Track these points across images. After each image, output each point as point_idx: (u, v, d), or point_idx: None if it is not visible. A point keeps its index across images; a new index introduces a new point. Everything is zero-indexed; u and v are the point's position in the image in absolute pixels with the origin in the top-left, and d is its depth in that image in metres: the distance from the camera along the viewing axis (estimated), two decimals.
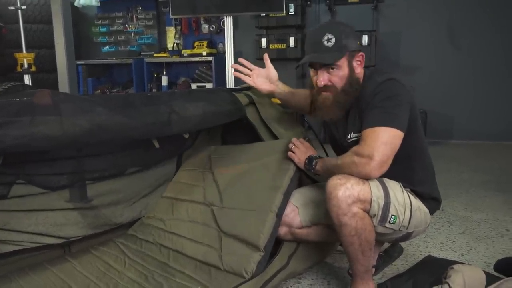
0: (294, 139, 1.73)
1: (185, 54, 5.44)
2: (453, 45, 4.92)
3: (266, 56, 1.98)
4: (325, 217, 1.58)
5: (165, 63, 5.59)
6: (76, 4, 5.34)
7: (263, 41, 5.04)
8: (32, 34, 4.95)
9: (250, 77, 1.97)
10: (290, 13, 4.91)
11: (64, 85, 2.76)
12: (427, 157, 1.68)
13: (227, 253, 1.63)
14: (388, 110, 1.47)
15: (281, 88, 1.95)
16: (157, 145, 1.69)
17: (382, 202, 1.45)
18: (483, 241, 2.18)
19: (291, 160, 1.69)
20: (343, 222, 1.44)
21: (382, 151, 1.41)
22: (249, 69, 1.98)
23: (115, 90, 5.73)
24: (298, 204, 1.71)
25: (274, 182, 1.68)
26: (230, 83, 3.59)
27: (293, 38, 4.92)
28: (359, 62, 1.59)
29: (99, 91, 5.55)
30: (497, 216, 2.54)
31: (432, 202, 1.67)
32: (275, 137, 1.94)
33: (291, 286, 1.75)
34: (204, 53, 5.29)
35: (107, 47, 5.99)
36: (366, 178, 1.45)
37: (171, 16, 4.04)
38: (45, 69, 4.53)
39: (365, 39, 4.61)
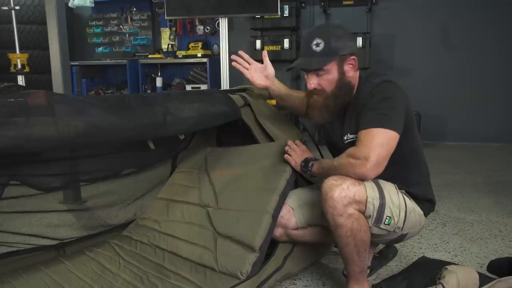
0: (289, 142, 1.73)
1: (180, 56, 5.44)
2: (447, 47, 4.96)
3: (265, 53, 1.98)
4: (320, 218, 1.59)
5: (160, 64, 5.58)
6: (70, 4, 5.31)
7: (258, 43, 5.06)
8: (25, 35, 4.92)
9: (248, 70, 1.97)
10: (284, 15, 4.94)
11: (58, 86, 2.75)
12: (422, 159, 1.69)
13: (222, 254, 1.63)
14: (383, 112, 1.47)
15: (276, 85, 1.95)
16: (152, 147, 1.68)
17: (377, 203, 1.46)
18: (476, 242, 2.19)
19: (288, 163, 1.70)
20: (338, 223, 1.44)
21: (378, 152, 1.42)
22: (248, 62, 1.98)
23: (109, 91, 5.70)
24: (294, 205, 1.71)
25: (270, 183, 1.68)
26: (225, 85, 3.59)
27: (287, 39, 4.94)
28: (351, 66, 1.59)
29: (93, 92, 5.52)
30: (490, 217, 2.56)
31: (426, 204, 1.68)
32: (270, 138, 1.94)
33: (286, 287, 1.75)
34: (199, 55, 5.29)
35: (101, 48, 5.97)
36: (361, 179, 1.45)
37: (165, 17, 4.04)
38: (38, 70, 4.50)
39: (359, 41, 4.63)
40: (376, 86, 1.53)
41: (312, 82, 1.58)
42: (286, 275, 1.73)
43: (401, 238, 1.63)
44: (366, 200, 1.44)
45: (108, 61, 5.68)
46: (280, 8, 3.58)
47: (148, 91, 5.42)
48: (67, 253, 1.95)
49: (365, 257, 1.54)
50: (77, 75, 5.37)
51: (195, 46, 5.44)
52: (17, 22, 3.26)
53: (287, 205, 1.70)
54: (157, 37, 5.87)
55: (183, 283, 1.61)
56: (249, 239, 1.58)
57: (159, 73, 5.57)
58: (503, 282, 1.48)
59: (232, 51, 4.37)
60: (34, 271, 1.76)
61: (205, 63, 5.26)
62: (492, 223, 2.46)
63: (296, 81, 5.15)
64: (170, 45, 5.64)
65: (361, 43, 4.64)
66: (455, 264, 1.82)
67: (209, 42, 5.61)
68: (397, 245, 1.98)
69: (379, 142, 1.43)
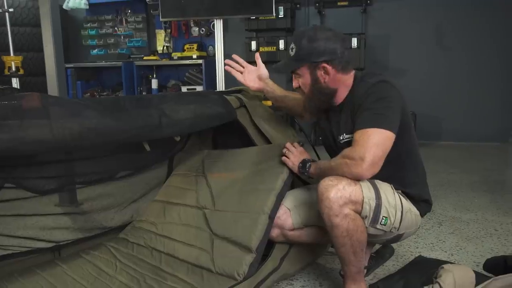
0: (288, 144, 1.74)
1: (175, 57, 5.42)
2: (442, 47, 4.97)
3: (257, 55, 2.01)
4: (317, 218, 1.59)
5: (155, 66, 5.55)
6: (64, 6, 5.30)
7: (253, 44, 5.05)
8: (20, 37, 4.89)
9: (241, 73, 1.97)
10: (279, 16, 4.92)
11: (53, 88, 2.74)
12: (418, 159, 1.70)
13: (219, 255, 1.63)
14: (379, 112, 1.48)
15: (271, 87, 1.96)
16: (148, 148, 1.68)
17: (373, 203, 1.46)
18: (472, 241, 2.20)
19: (285, 164, 1.70)
20: (334, 223, 1.44)
21: (374, 153, 1.42)
22: (241, 66, 1.99)
23: (104, 94, 5.68)
24: (290, 206, 1.71)
25: (267, 184, 1.68)
26: (220, 86, 3.58)
27: (282, 41, 4.93)
28: (323, 73, 1.58)
29: (89, 94, 5.50)
30: (486, 216, 2.57)
31: (423, 204, 1.68)
32: (266, 139, 1.94)
33: None
34: (194, 56, 5.28)
35: (96, 50, 5.94)
36: (357, 179, 1.46)
37: (160, 19, 4.03)
38: (33, 72, 4.48)
39: (354, 42, 4.64)
40: (371, 86, 1.54)
41: (294, 82, 1.66)
42: (283, 275, 1.73)
43: (398, 238, 1.63)
44: (362, 200, 1.44)
45: (103, 63, 5.64)
46: (275, 9, 3.58)
47: (143, 93, 5.40)
48: (63, 256, 1.94)
49: (362, 257, 1.54)
50: (72, 77, 5.34)
51: (190, 48, 5.42)
52: (11, 24, 3.24)
53: (283, 205, 1.70)
54: (152, 39, 5.85)
55: (180, 285, 1.61)
56: (246, 240, 1.57)
57: (154, 75, 5.54)
58: (499, 281, 1.49)
59: (227, 52, 4.37)
60: (29, 274, 1.75)
61: (200, 64, 5.24)
62: (488, 222, 2.47)
63: (291, 82, 5.12)
64: (165, 47, 5.62)
65: (356, 44, 4.64)
66: (451, 263, 1.82)
67: (204, 43, 5.60)
68: (393, 245, 1.98)
69: (375, 142, 1.43)
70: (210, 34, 5.50)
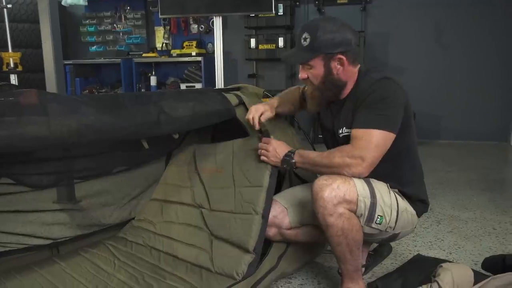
0: (260, 144, 1.69)
1: (174, 54, 5.42)
2: (441, 45, 4.97)
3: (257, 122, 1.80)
4: (314, 217, 1.58)
5: (154, 63, 5.56)
6: (63, 3, 5.28)
7: (252, 41, 5.05)
8: (18, 33, 4.87)
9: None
10: (279, 14, 4.93)
11: (51, 85, 2.72)
12: (416, 158, 1.69)
13: (218, 255, 1.63)
14: (382, 112, 1.48)
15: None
16: (146, 146, 1.67)
17: (368, 202, 1.46)
18: (470, 240, 2.20)
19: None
20: (329, 222, 1.44)
21: (374, 154, 1.44)
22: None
23: (103, 90, 5.68)
24: (287, 205, 1.71)
25: (256, 180, 1.68)
26: (219, 83, 3.58)
27: (282, 38, 4.93)
28: (338, 64, 1.56)
29: (87, 91, 5.49)
30: (484, 215, 2.57)
31: (419, 204, 1.68)
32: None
33: (281, 286, 1.75)
34: (193, 53, 5.28)
35: (95, 46, 5.94)
36: (355, 177, 1.46)
37: (160, 16, 4.02)
38: (31, 68, 4.47)
39: None
40: (375, 82, 1.53)
41: (301, 73, 1.61)
42: (281, 274, 1.73)
43: (393, 237, 1.63)
44: (357, 199, 1.44)
45: (102, 60, 5.65)
46: (274, 6, 3.58)
47: (142, 90, 5.40)
48: (61, 253, 1.94)
49: (358, 256, 1.54)
50: (71, 74, 5.33)
51: (189, 45, 5.42)
52: (10, 21, 3.23)
53: (280, 204, 1.70)
54: (151, 35, 5.84)
55: (179, 284, 1.61)
56: (243, 241, 1.58)
57: (153, 72, 5.54)
58: (498, 280, 1.49)
59: (226, 49, 4.37)
60: (27, 272, 1.75)
61: (199, 61, 5.24)
62: (486, 221, 2.47)
63: (291, 79, 5.14)
64: (164, 44, 5.62)
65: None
66: (450, 261, 1.82)
67: (204, 40, 5.59)
68: (392, 243, 1.98)
69: (376, 144, 1.44)
70: (209, 31, 5.49)
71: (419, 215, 1.68)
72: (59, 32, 2.78)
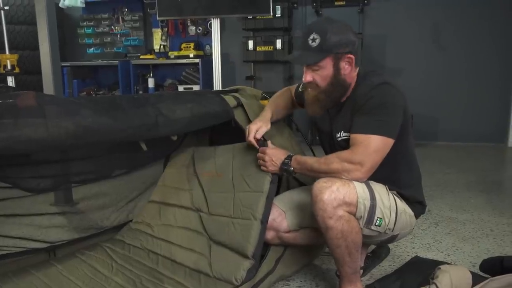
0: (258, 155, 1.69)
1: (172, 56, 5.41)
2: (439, 47, 4.97)
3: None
4: (312, 220, 1.57)
5: (152, 65, 5.54)
6: (60, 5, 5.27)
7: (250, 43, 5.05)
8: (15, 35, 4.86)
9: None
10: (277, 16, 4.93)
11: (48, 87, 2.71)
12: (414, 161, 1.69)
13: (216, 260, 1.62)
14: (381, 118, 1.48)
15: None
16: (144, 148, 1.66)
17: (368, 204, 1.46)
18: (468, 241, 2.20)
19: None
20: (328, 225, 1.44)
21: (373, 159, 1.45)
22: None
23: (100, 92, 5.66)
24: (285, 208, 1.70)
25: (255, 185, 1.67)
26: (217, 85, 3.58)
27: (280, 40, 4.93)
28: (347, 64, 1.56)
29: (85, 93, 5.48)
30: (482, 217, 2.57)
31: (417, 206, 1.68)
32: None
33: None
34: (191, 55, 5.27)
35: (92, 48, 5.92)
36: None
37: (157, 18, 4.02)
38: (29, 70, 4.46)
39: None
40: (374, 87, 1.53)
41: (307, 76, 1.58)
42: (279, 277, 1.72)
43: (392, 239, 1.63)
44: (357, 201, 1.44)
45: (99, 62, 5.63)
46: (272, 8, 3.58)
47: (140, 92, 5.39)
48: (58, 256, 1.93)
49: (357, 258, 1.53)
50: (68, 76, 5.32)
51: (187, 47, 5.41)
52: (7, 23, 3.22)
53: (278, 207, 1.69)
54: (149, 37, 5.84)
55: None
56: (242, 247, 1.58)
57: (151, 74, 5.53)
58: (496, 281, 1.49)
59: (224, 51, 4.36)
60: (24, 275, 1.74)
61: (197, 63, 5.23)
62: (484, 222, 2.47)
63: (289, 81, 5.14)
64: (162, 46, 5.61)
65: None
66: (448, 263, 1.82)
67: (201, 42, 5.58)
68: (390, 245, 1.98)
69: (375, 149, 1.45)
70: (207, 33, 5.48)
71: (417, 216, 1.69)
72: (57, 34, 2.77)
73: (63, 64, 4.78)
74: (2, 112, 1.23)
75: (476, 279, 1.54)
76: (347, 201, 1.42)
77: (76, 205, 2.68)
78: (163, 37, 5.63)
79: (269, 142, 1.71)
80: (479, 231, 2.35)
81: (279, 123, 2.04)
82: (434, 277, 1.52)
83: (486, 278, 1.54)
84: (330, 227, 1.44)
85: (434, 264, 1.66)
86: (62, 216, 2.29)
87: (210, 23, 4.13)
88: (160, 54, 5.58)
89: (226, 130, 1.99)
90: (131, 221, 2.12)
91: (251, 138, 1.71)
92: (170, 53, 5.49)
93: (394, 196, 1.58)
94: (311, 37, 1.53)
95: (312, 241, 1.74)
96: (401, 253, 2.06)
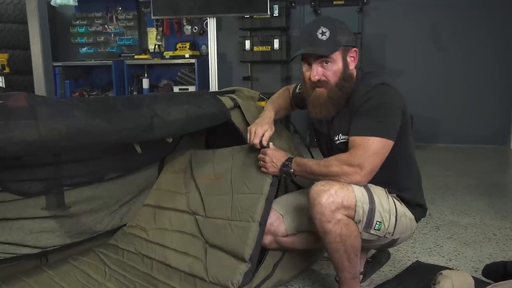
0: (258, 156, 1.67)
1: (167, 56, 5.38)
2: (439, 47, 4.96)
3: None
4: (310, 224, 1.55)
5: (146, 65, 5.51)
6: (52, 3, 5.22)
7: (247, 43, 5.02)
8: (5, 34, 4.80)
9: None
10: (274, 15, 4.90)
11: (40, 87, 2.68)
12: (414, 163, 1.68)
13: (212, 264, 1.60)
14: (380, 119, 1.46)
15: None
16: (139, 150, 1.63)
17: (367, 207, 1.44)
18: (470, 246, 2.18)
19: None
20: (327, 229, 1.42)
21: (372, 162, 1.43)
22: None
23: (94, 93, 5.63)
24: (283, 211, 1.68)
25: (254, 188, 1.65)
26: (213, 86, 3.55)
27: (277, 40, 4.91)
28: (353, 58, 1.57)
29: (77, 94, 5.44)
30: (484, 220, 2.55)
31: (418, 209, 1.66)
32: None
33: None
34: (187, 55, 5.24)
35: (85, 48, 5.88)
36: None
37: (152, 17, 3.99)
38: (19, 70, 4.41)
39: None
40: (372, 89, 1.51)
41: (317, 72, 1.53)
42: (277, 282, 1.70)
43: (392, 243, 1.62)
44: (355, 204, 1.42)
45: (92, 62, 5.59)
46: (269, 7, 3.56)
47: (134, 93, 5.35)
48: (50, 262, 1.90)
49: (356, 263, 1.52)
50: (60, 76, 5.23)
51: (182, 47, 5.38)
52: None
53: (276, 211, 1.67)
54: (143, 37, 5.80)
55: None
56: (239, 249, 1.55)
57: (145, 74, 5.50)
58: (499, 287, 1.47)
59: (220, 51, 4.33)
60: (14, 281, 1.71)
61: (193, 64, 5.20)
62: (486, 226, 2.45)
63: (287, 82, 5.12)
64: (157, 46, 5.57)
65: None
66: (449, 268, 1.81)
67: (197, 42, 5.55)
68: (390, 250, 1.96)
69: (374, 151, 1.43)
70: (203, 32, 5.45)
71: (417, 220, 1.67)
72: (48, 33, 2.74)
73: (55, 64, 4.71)
74: None
75: (479, 284, 1.53)
76: (345, 204, 1.40)
77: (68, 209, 2.65)
78: (158, 37, 5.59)
79: (271, 144, 1.69)
80: (481, 235, 2.33)
81: (277, 124, 2.01)
82: (436, 282, 1.50)
83: (489, 284, 1.53)
84: (328, 231, 1.42)
85: (436, 269, 1.66)
86: (54, 220, 2.27)
87: (206, 23, 4.11)
88: (155, 54, 5.54)
89: (222, 132, 1.96)
90: (125, 225, 2.09)
91: (257, 141, 1.67)
92: (165, 53, 5.45)
93: (394, 199, 1.56)
94: (320, 30, 1.51)
95: (311, 246, 1.71)
96: (401, 258, 2.04)
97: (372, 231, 1.48)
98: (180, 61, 5.26)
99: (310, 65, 1.56)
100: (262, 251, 1.62)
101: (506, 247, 2.16)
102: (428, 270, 1.83)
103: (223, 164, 1.85)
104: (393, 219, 1.51)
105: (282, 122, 2.03)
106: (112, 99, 1.64)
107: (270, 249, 1.68)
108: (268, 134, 1.69)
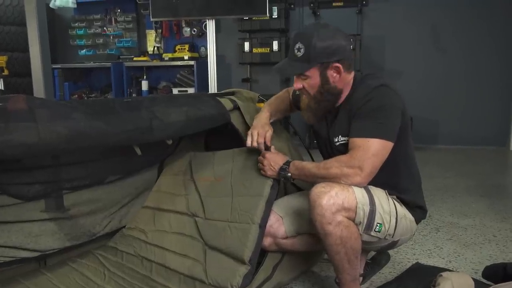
0: (258, 158, 1.68)
1: (166, 58, 5.39)
2: (438, 48, 4.95)
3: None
4: (310, 226, 1.54)
5: (145, 67, 5.51)
6: (51, 5, 5.22)
7: (246, 45, 5.02)
8: (4, 36, 4.80)
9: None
10: (273, 17, 4.90)
11: (39, 89, 2.68)
12: (414, 165, 1.68)
13: (212, 266, 1.60)
14: (380, 121, 1.46)
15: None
16: (139, 152, 1.63)
17: (367, 209, 1.44)
18: (470, 247, 2.18)
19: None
20: (327, 231, 1.41)
21: (372, 163, 1.42)
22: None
23: (93, 95, 5.63)
24: (283, 213, 1.68)
25: (255, 190, 1.65)
26: (212, 88, 3.55)
27: (276, 42, 4.91)
28: (335, 73, 1.53)
29: (76, 96, 5.44)
30: (484, 222, 2.55)
31: (418, 210, 1.66)
32: None
33: None
34: (186, 57, 5.25)
35: (84, 50, 5.88)
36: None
37: (151, 19, 3.99)
38: (18, 73, 4.41)
39: None
40: (372, 90, 1.51)
41: (296, 84, 1.58)
42: (277, 284, 1.70)
43: (392, 245, 1.61)
44: (356, 206, 1.42)
45: (91, 64, 5.58)
46: (268, 9, 3.56)
47: (133, 95, 5.36)
48: (49, 264, 1.89)
49: (357, 265, 1.52)
50: (59, 78, 5.28)
51: (181, 49, 5.39)
52: None
53: (275, 213, 1.66)
54: (142, 39, 5.80)
55: None
56: (238, 251, 1.55)
57: (144, 76, 5.50)
58: None
59: (220, 53, 4.33)
60: (13, 284, 1.70)
61: (192, 65, 5.20)
62: (486, 228, 2.45)
63: (286, 84, 5.10)
64: (156, 48, 5.57)
65: (351, 45, 4.63)
66: (449, 270, 1.81)
67: (196, 44, 5.56)
68: (390, 251, 1.95)
69: (374, 153, 1.43)
70: (202, 34, 5.46)
71: (417, 221, 1.67)
72: (47, 35, 2.74)
73: (54, 66, 4.73)
74: None
75: (479, 286, 1.53)
76: (346, 206, 1.40)
77: (67, 211, 2.65)
78: (157, 39, 5.59)
79: (272, 147, 1.70)
80: (481, 236, 2.32)
81: (277, 126, 2.01)
82: (436, 284, 1.50)
83: (489, 285, 1.54)
84: (328, 233, 1.42)
85: (436, 271, 1.66)
86: (53, 223, 2.26)
87: (205, 25, 4.11)
88: (154, 56, 5.54)
89: (223, 134, 1.96)
90: (124, 227, 2.08)
91: (261, 140, 1.69)
92: (164, 55, 5.46)
93: (394, 201, 1.56)
94: (297, 46, 1.52)
95: (311, 248, 1.71)
96: (401, 260, 2.04)
97: (372, 233, 1.47)
98: (179, 63, 5.27)
99: None
100: (261, 253, 1.62)
101: (506, 248, 2.16)
102: (428, 271, 1.83)
103: (223, 166, 1.85)
104: (393, 221, 1.51)
105: (281, 124, 2.03)
106: (111, 101, 1.64)
107: (270, 251, 1.68)
108: (269, 134, 1.71)
